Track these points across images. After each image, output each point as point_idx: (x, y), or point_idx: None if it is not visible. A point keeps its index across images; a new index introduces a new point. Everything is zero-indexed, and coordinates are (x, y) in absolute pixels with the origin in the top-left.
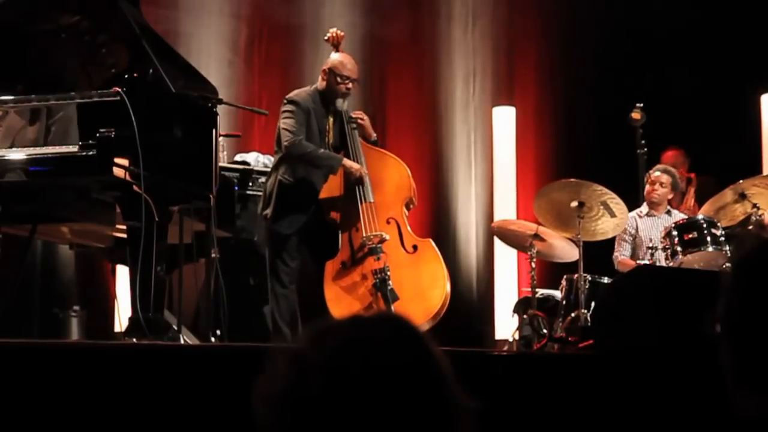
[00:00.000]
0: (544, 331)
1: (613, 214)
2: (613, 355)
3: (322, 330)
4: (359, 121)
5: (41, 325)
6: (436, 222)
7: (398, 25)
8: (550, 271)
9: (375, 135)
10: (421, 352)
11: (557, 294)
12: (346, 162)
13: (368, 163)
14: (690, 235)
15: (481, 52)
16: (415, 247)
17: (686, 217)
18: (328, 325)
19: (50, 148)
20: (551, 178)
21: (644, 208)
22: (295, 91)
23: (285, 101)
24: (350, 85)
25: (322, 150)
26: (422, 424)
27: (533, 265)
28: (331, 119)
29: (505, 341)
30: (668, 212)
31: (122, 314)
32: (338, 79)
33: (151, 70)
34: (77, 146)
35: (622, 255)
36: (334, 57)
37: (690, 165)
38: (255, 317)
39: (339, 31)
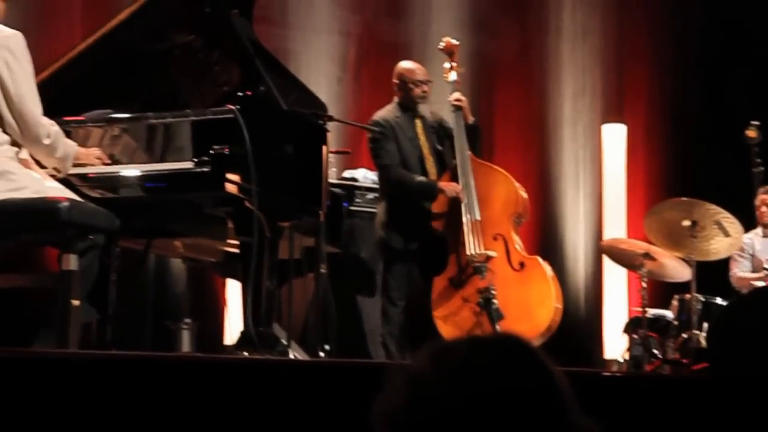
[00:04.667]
0: (655, 351)
1: (727, 234)
2: (731, 379)
3: (441, 350)
4: (460, 103)
5: (154, 336)
6: (544, 239)
7: (507, 42)
8: (661, 291)
9: (472, 118)
10: (541, 373)
11: (668, 314)
12: (442, 185)
13: (476, 179)
14: None
15: (591, 69)
16: (522, 265)
17: None
18: (447, 345)
19: (165, 164)
20: (662, 197)
21: (759, 230)
22: (377, 112)
23: (369, 124)
24: (426, 88)
25: (417, 180)
26: None
27: (644, 284)
28: (419, 124)
29: (614, 361)
30: None
31: (232, 327)
32: (412, 85)
33: (262, 87)
34: (192, 162)
35: (741, 272)
36: (401, 66)
37: None
38: (362, 333)
39: (453, 40)
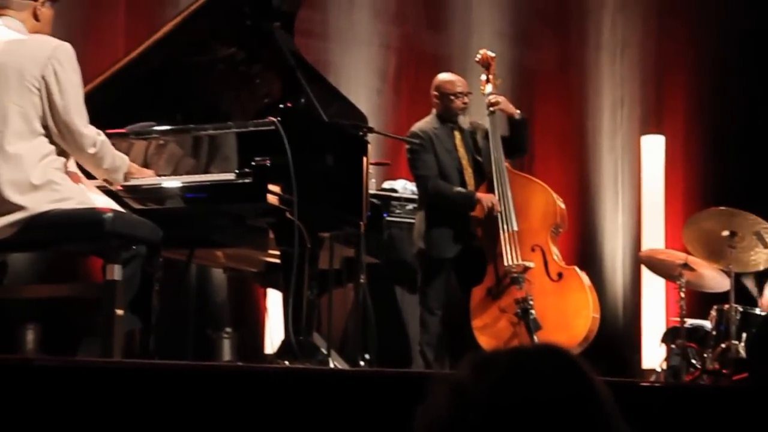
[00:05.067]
0: (693, 361)
1: (766, 245)
2: None
3: (483, 360)
4: (498, 107)
5: (195, 345)
6: (582, 249)
7: (546, 54)
8: (700, 301)
9: (518, 112)
10: (583, 383)
11: (707, 324)
12: (479, 196)
13: (513, 190)
14: None
15: (630, 81)
16: (560, 275)
17: None
18: (489, 355)
19: (207, 176)
20: (701, 208)
21: None
22: (416, 124)
23: (408, 135)
24: (466, 99)
25: (455, 190)
26: None
27: (682, 294)
28: (458, 135)
29: (653, 371)
30: None
31: (273, 336)
32: (452, 97)
33: (303, 99)
34: (234, 174)
35: None
36: (440, 78)
37: None
38: (402, 342)
39: (489, 53)
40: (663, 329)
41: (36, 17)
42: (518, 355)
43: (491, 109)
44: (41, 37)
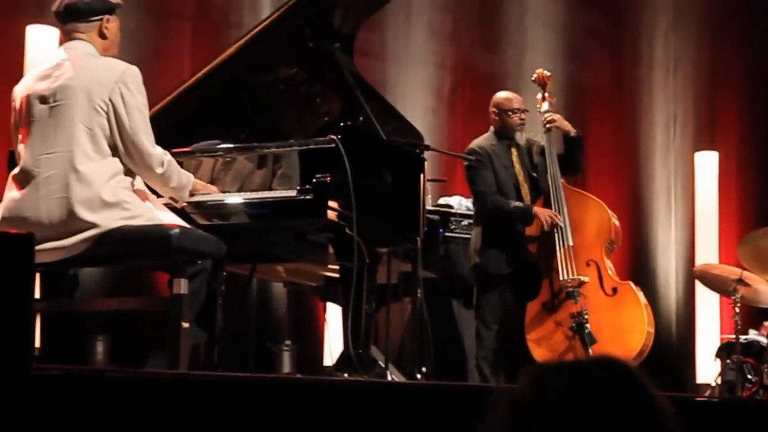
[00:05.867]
0: (749, 376)
1: None
2: None
3: (542, 373)
4: (554, 125)
5: (256, 358)
6: (636, 265)
7: (599, 71)
8: (754, 316)
9: (574, 130)
10: (643, 398)
11: (762, 339)
12: (536, 210)
13: (569, 206)
14: None
15: (683, 97)
16: (614, 290)
17: None
18: (549, 368)
19: (270, 193)
20: (755, 223)
21: None
22: (474, 141)
23: (466, 152)
24: (523, 116)
25: (513, 204)
26: None
27: (737, 309)
28: (515, 152)
29: (707, 386)
30: None
31: (332, 349)
32: (510, 113)
33: (362, 118)
34: (295, 191)
35: None
36: (498, 96)
37: None
38: (457, 356)
39: (545, 72)
40: (717, 344)
41: (103, 35)
42: (577, 368)
43: (548, 126)
44: (110, 60)
